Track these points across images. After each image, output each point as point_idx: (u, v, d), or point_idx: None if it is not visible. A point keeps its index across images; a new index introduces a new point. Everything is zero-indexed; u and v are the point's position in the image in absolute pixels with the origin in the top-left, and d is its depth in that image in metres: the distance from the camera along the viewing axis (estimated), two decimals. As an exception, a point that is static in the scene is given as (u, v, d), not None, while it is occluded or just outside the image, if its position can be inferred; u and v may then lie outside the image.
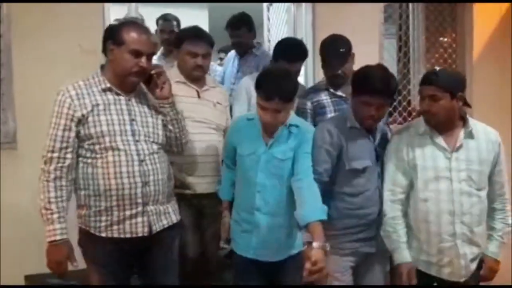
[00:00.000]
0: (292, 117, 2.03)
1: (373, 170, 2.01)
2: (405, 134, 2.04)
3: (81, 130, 1.78)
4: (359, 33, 3.17)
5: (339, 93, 2.41)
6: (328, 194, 1.95)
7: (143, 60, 1.80)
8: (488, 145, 1.94)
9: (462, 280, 1.95)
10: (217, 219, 2.30)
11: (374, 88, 1.86)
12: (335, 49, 2.37)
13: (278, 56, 2.47)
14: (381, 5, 3.35)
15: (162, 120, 1.94)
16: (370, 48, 3.23)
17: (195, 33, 2.33)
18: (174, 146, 2.02)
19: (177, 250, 2.09)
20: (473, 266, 1.96)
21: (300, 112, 2.41)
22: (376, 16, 3.32)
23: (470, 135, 1.95)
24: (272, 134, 1.98)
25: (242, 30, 3.30)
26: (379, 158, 2.03)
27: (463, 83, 1.95)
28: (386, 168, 2.03)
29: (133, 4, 3.14)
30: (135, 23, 1.88)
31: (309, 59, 3.09)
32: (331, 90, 2.42)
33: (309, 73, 3.16)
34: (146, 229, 1.85)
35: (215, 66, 3.86)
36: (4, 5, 2.56)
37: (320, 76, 2.95)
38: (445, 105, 1.89)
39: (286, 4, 3.35)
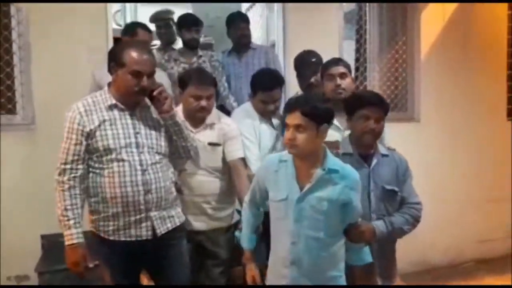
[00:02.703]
0: (330, 160, 1.79)
1: (363, 194, 1.96)
2: None
3: (90, 144, 1.90)
4: (323, 36, 3.72)
5: None
6: None
7: (144, 79, 1.89)
8: None
9: None
10: (222, 261, 2.39)
11: (371, 101, 1.99)
12: (307, 61, 2.68)
13: (258, 88, 2.49)
14: (342, 13, 3.85)
15: (166, 132, 2.05)
16: (332, 49, 3.64)
17: (198, 76, 2.36)
18: (182, 153, 2.14)
19: (186, 251, 2.20)
20: None
21: (282, 123, 2.44)
22: (337, 22, 3.81)
23: None
24: (309, 177, 1.76)
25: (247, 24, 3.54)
26: (376, 183, 2.02)
27: None
28: None
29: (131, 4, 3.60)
30: (136, 44, 2.01)
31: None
32: None
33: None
34: (149, 233, 1.97)
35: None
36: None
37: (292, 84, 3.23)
38: (350, 83, 2.38)
39: (260, 10, 3.81)
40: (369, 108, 1.96)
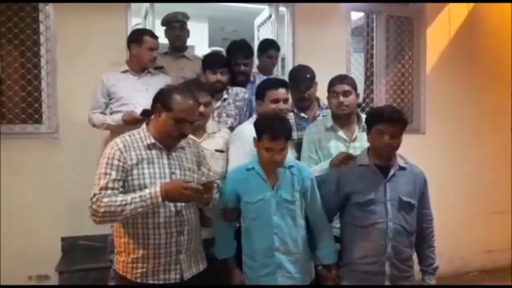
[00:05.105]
0: (287, 158, 2.15)
1: (380, 203, 2.10)
2: (314, 128, 2.51)
3: (126, 180, 1.86)
4: (331, 51, 3.89)
5: (302, 114, 2.72)
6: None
7: (187, 126, 1.91)
8: None
9: None
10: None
11: (386, 116, 2.05)
12: (302, 75, 2.70)
13: (266, 89, 2.50)
14: (349, 28, 4.02)
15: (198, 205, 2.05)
16: (339, 64, 3.87)
17: (196, 84, 2.46)
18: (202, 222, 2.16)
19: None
20: None
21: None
22: (345, 37, 3.96)
23: (363, 129, 2.35)
24: (275, 177, 2.13)
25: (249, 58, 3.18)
26: (392, 193, 2.10)
27: None
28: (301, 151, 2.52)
29: (149, 17, 3.68)
30: (185, 91, 1.96)
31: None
32: (295, 111, 2.72)
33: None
34: (178, 276, 1.94)
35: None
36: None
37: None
38: (353, 100, 2.46)
39: (271, 26, 3.95)
40: (385, 124, 2.04)
